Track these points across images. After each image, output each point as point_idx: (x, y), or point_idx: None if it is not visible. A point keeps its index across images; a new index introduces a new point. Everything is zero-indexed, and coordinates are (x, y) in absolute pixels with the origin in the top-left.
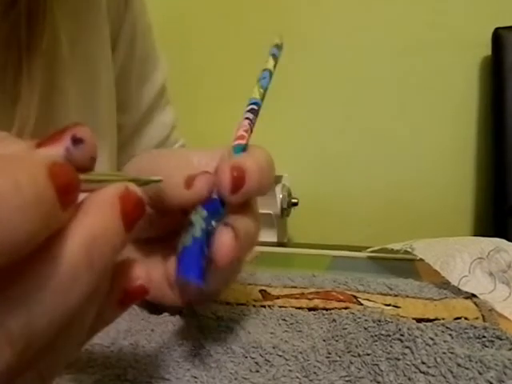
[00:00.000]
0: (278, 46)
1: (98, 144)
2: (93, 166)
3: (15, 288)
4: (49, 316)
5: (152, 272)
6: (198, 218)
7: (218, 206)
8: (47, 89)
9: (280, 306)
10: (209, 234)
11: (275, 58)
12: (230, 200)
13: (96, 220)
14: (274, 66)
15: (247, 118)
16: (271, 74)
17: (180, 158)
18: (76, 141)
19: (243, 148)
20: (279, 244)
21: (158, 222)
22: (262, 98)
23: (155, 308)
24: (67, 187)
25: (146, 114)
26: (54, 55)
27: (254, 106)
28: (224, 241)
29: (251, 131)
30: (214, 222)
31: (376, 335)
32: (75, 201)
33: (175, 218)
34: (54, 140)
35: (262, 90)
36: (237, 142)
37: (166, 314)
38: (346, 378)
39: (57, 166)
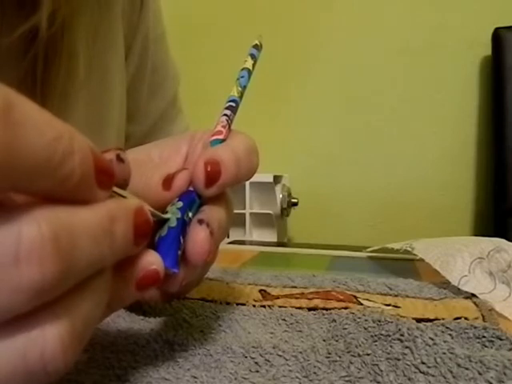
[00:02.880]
0: (257, 47)
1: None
2: (125, 187)
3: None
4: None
5: None
6: (174, 209)
7: (194, 197)
8: (57, 112)
9: (280, 306)
10: (185, 224)
11: (254, 58)
12: (206, 194)
13: (116, 208)
14: (253, 66)
15: (225, 115)
16: (250, 73)
17: (143, 155)
18: (119, 159)
19: (220, 143)
20: (279, 244)
21: None
22: (241, 96)
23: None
24: (104, 169)
25: (156, 124)
26: (70, 79)
27: (232, 104)
28: (199, 239)
29: (229, 127)
30: (190, 213)
31: (376, 335)
32: (109, 185)
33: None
34: (103, 151)
35: (240, 89)
36: (214, 137)
37: (166, 313)
38: (346, 378)
39: (98, 155)
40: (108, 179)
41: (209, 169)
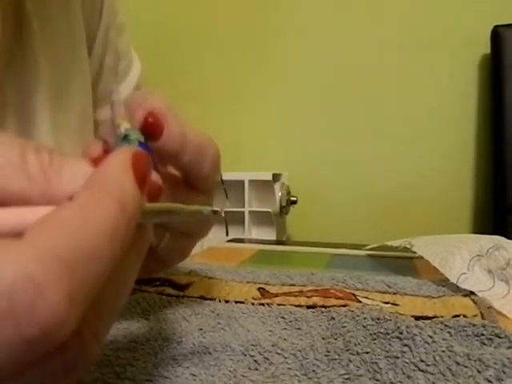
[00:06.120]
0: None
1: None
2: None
3: None
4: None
5: None
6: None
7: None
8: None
9: (279, 304)
10: None
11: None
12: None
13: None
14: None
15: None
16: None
17: None
18: None
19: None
20: (278, 242)
21: None
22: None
23: None
24: (144, 177)
25: None
26: (31, 81)
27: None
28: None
29: None
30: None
31: (375, 333)
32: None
33: None
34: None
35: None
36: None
37: (165, 311)
38: (345, 376)
39: (137, 162)
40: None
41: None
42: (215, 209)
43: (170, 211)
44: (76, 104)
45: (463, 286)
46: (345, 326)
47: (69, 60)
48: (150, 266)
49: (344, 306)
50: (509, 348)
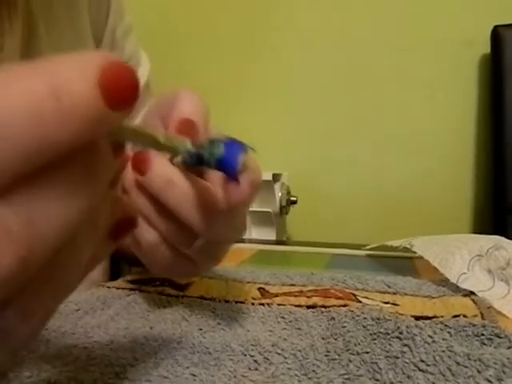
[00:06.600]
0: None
1: None
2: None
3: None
4: (50, 220)
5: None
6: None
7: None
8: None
9: (279, 304)
10: None
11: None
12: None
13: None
14: None
15: None
16: None
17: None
18: None
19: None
20: (278, 242)
21: None
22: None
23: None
24: (120, 92)
25: None
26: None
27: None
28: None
29: None
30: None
31: (375, 333)
32: (133, 100)
33: None
34: None
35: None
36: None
37: (165, 311)
38: (345, 376)
39: (109, 67)
40: (127, 99)
41: None
42: (198, 151)
43: (145, 136)
44: None
45: (463, 285)
46: (345, 326)
47: None
48: (181, 268)
49: (344, 305)
50: (509, 348)
